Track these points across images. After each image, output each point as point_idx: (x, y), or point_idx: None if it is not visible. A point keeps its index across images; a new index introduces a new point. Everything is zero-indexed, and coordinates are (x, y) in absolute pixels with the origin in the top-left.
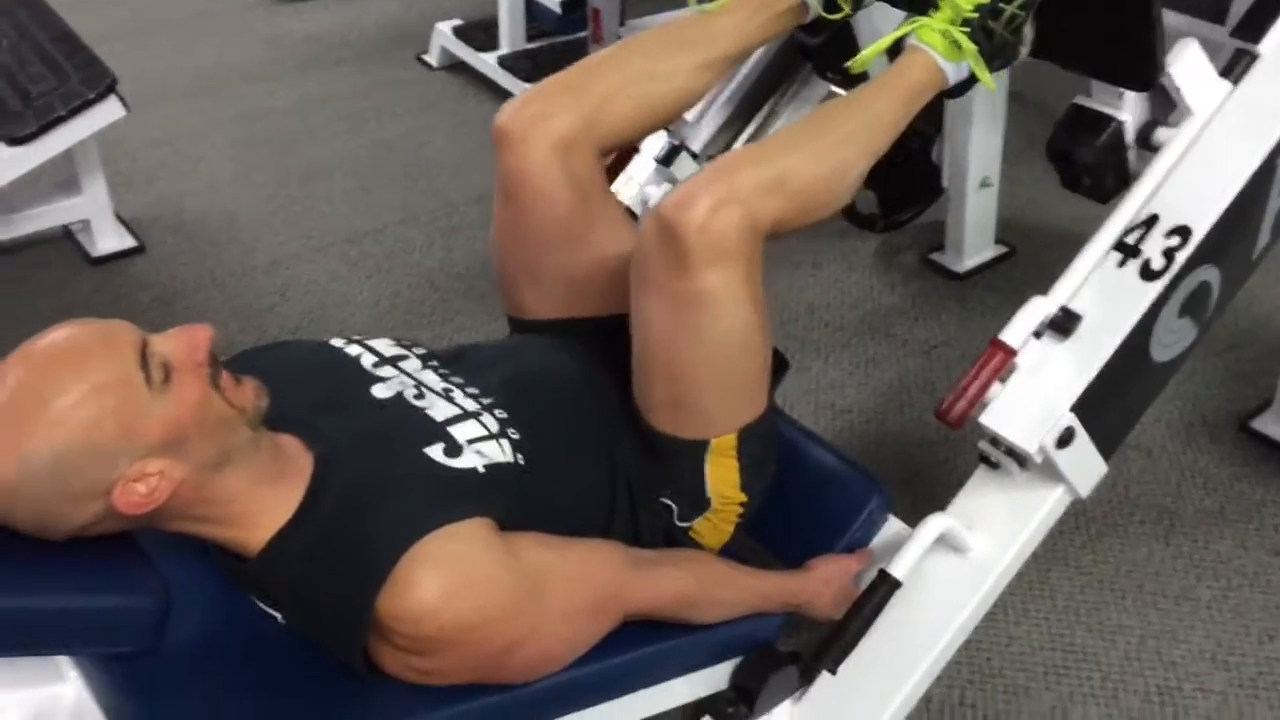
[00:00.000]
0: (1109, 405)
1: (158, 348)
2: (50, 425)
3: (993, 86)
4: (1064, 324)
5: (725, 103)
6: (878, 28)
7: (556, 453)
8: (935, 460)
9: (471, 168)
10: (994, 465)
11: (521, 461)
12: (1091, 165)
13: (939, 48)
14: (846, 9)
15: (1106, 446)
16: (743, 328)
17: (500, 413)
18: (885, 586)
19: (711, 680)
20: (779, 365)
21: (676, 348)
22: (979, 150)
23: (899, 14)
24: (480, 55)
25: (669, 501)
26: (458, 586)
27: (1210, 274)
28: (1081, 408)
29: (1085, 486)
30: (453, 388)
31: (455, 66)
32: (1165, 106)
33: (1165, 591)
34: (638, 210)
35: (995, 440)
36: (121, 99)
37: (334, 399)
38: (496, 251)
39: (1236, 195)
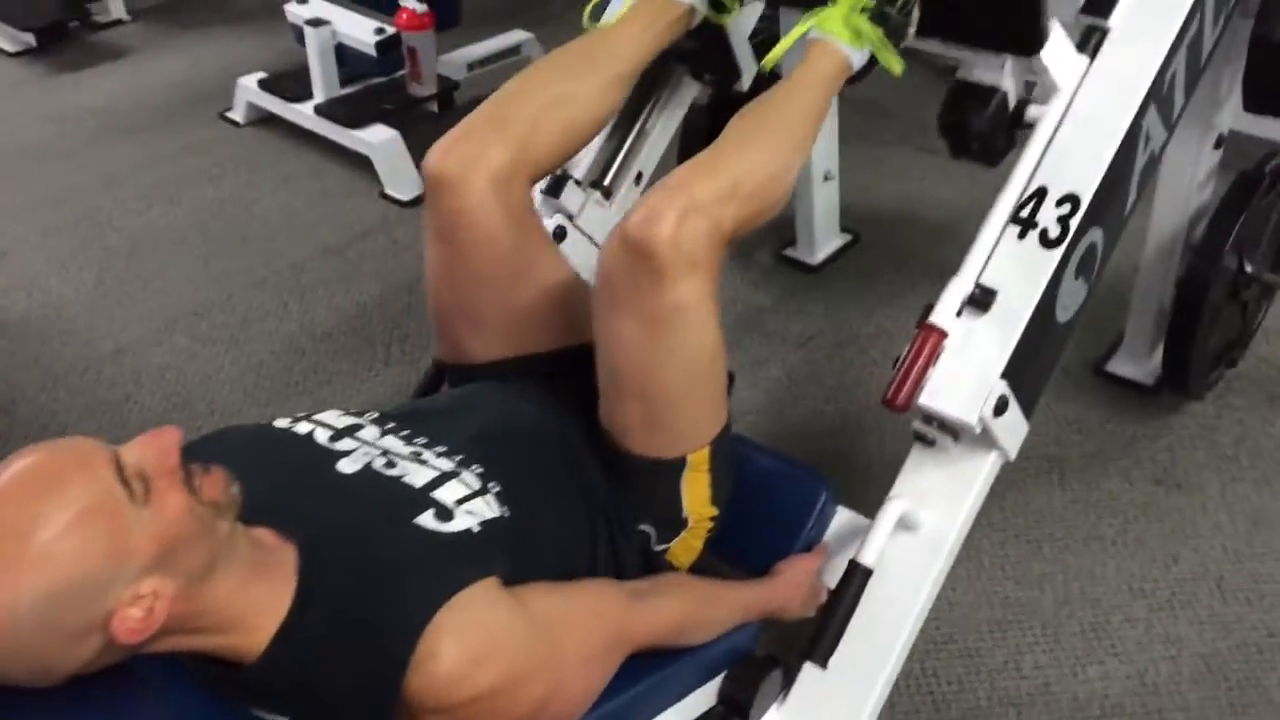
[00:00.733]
0: (1028, 369)
1: (129, 459)
2: (36, 563)
3: (898, 69)
4: (982, 300)
5: None
6: (744, 30)
7: (536, 500)
8: (841, 446)
9: (307, 222)
10: (930, 442)
11: (508, 514)
12: (982, 133)
13: (844, 36)
14: (734, 8)
15: (1028, 407)
16: (712, 338)
17: (477, 467)
18: (859, 575)
19: (702, 700)
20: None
21: (652, 366)
22: (820, 146)
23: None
24: (294, 106)
25: (646, 528)
26: (483, 652)
27: (1096, 235)
28: (1008, 375)
29: (1014, 448)
30: (420, 449)
31: (264, 120)
32: (1030, 86)
33: (1074, 535)
34: None
35: (928, 418)
36: None
37: (300, 482)
38: (434, 297)
39: (1112, 159)
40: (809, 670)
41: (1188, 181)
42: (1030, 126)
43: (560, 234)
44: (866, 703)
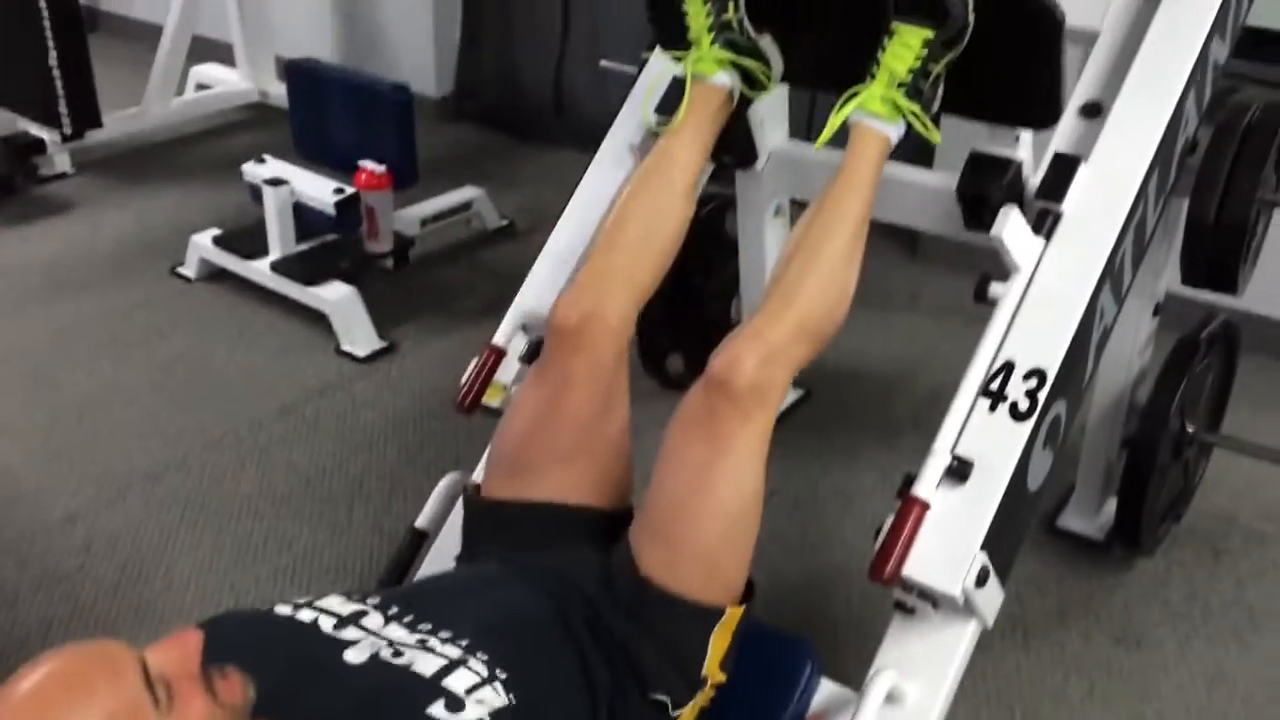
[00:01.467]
0: (1004, 538)
1: (153, 663)
2: None
3: (937, 138)
4: (960, 471)
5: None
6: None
7: (540, 686)
8: (808, 607)
9: (264, 380)
10: (910, 610)
11: (514, 701)
12: (1001, 202)
13: (883, 113)
14: (769, 85)
15: (1004, 575)
16: (760, 480)
17: (482, 654)
18: None
19: None
20: None
21: (714, 489)
22: None
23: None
24: (249, 263)
25: (661, 696)
26: None
27: (1061, 407)
28: (987, 546)
29: (992, 617)
30: (425, 636)
31: (217, 276)
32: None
33: (1042, 696)
34: None
35: (908, 587)
36: None
37: (307, 673)
38: (520, 433)
39: (1073, 335)
40: None
41: (1130, 346)
42: (993, 303)
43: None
44: None
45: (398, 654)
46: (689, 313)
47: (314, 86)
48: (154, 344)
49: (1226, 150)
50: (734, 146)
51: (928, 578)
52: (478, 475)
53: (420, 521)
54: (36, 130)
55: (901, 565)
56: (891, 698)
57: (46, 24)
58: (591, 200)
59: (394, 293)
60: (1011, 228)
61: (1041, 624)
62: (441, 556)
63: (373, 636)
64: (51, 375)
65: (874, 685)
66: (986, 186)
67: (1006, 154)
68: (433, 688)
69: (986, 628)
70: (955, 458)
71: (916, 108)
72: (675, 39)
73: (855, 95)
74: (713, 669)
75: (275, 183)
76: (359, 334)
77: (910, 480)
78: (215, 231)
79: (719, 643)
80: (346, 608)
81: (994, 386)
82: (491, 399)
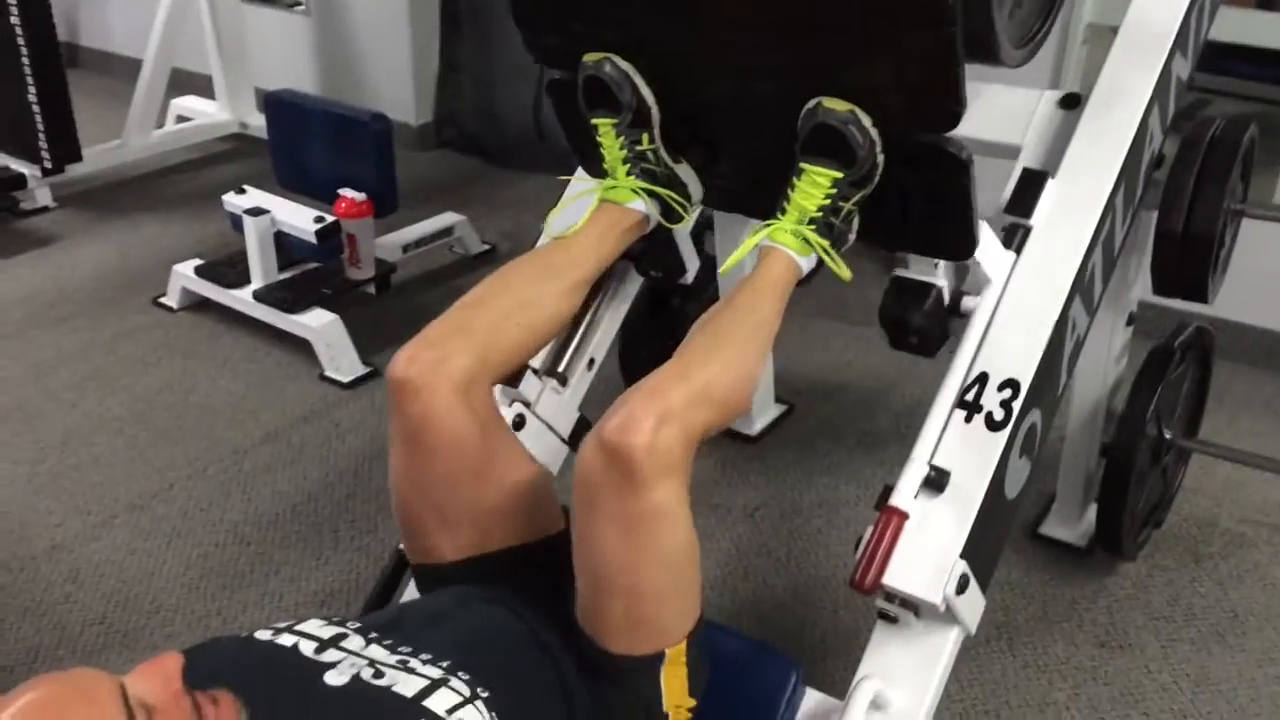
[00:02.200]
0: (983, 546)
1: (134, 689)
2: None
3: (847, 274)
4: (937, 481)
5: None
6: (687, 230)
7: (520, 704)
8: (795, 619)
9: (248, 407)
10: (892, 619)
11: (497, 719)
12: (921, 327)
13: (792, 246)
14: (686, 217)
15: (984, 582)
16: (688, 536)
17: (463, 674)
18: None
19: None
20: None
21: (633, 567)
22: None
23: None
24: (231, 291)
25: None
26: None
27: (1036, 416)
28: (966, 554)
29: (974, 623)
30: (406, 657)
31: (199, 305)
32: (964, 276)
33: (1029, 702)
34: None
35: (890, 596)
36: None
37: (288, 697)
38: (401, 500)
39: (1045, 346)
40: None
41: (1105, 356)
42: (966, 315)
43: (519, 422)
44: None
45: (379, 675)
46: (670, 335)
47: (293, 117)
48: (137, 374)
49: (1192, 163)
50: (661, 265)
51: (908, 586)
52: None
53: (399, 544)
54: (16, 165)
55: (881, 575)
56: (876, 705)
57: (25, 60)
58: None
59: (377, 318)
60: (983, 242)
61: (1026, 630)
62: None
63: (353, 657)
64: (35, 407)
65: (858, 694)
66: (907, 312)
67: (926, 279)
68: (414, 709)
69: (969, 634)
70: (933, 468)
71: (826, 244)
72: (593, 166)
73: (767, 226)
74: (674, 702)
75: (256, 212)
76: (342, 360)
77: (889, 491)
78: (197, 261)
79: (672, 678)
80: (327, 631)
81: (969, 397)
82: None
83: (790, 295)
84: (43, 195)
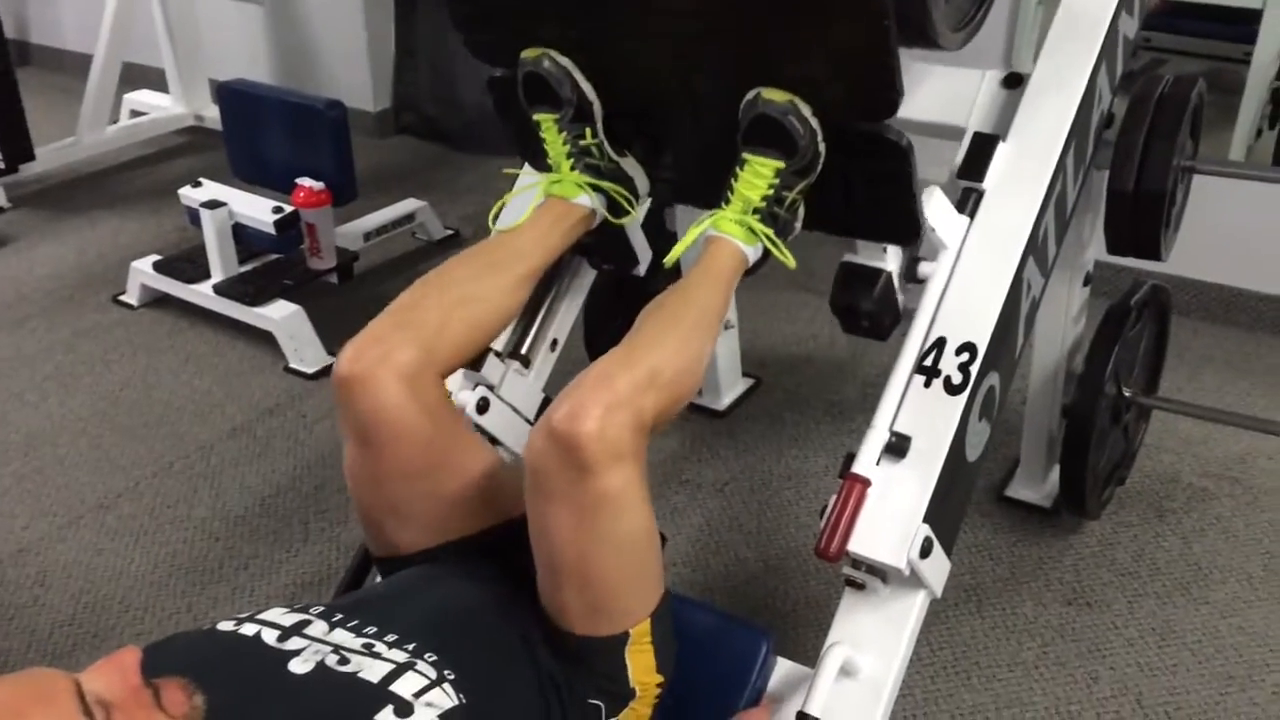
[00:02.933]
0: (946, 509)
1: (90, 687)
2: None
3: (792, 263)
4: (898, 446)
5: None
6: (638, 223)
7: (489, 684)
8: (766, 591)
9: (212, 402)
10: (860, 586)
11: (464, 701)
12: (871, 312)
13: (737, 235)
14: (633, 211)
15: (948, 545)
16: (644, 520)
17: (430, 656)
18: None
19: None
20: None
21: (588, 554)
22: None
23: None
24: (191, 286)
25: (597, 701)
26: None
27: (994, 378)
28: (929, 518)
29: (940, 586)
30: (372, 641)
31: (160, 302)
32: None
33: (998, 662)
34: None
35: (856, 563)
36: None
37: (250, 687)
38: (358, 498)
39: (1001, 308)
40: None
41: (1063, 317)
42: (923, 282)
43: (483, 405)
44: None
45: (344, 661)
46: (633, 312)
47: (247, 107)
48: (99, 373)
49: (1141, 121)
50: (613, 258)
51: (873, 553)
52: None
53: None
54: None
55: (846, 542)
56: (846, 671)
57: None
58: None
59: (341, 308)
60: (936, 207)
61: (994, 591)
62: None
63: (317, 644)
64: None
65: (827, 660)
66: (857, 298)
67: (875, 265)
68: (380, 694)
69: (936, 597)
70: (894, 434)
71: (770, 232)
72: (538, 161)
73: (711, 216)
74: (640, 679)
75: (213, 205)
76: (307, 351)
77: (851, 459)
78: (155, 257)
79: (637, 655)
80: (289, 618)
81: (928, 362)
82: None
83: (738, 283)
84: None
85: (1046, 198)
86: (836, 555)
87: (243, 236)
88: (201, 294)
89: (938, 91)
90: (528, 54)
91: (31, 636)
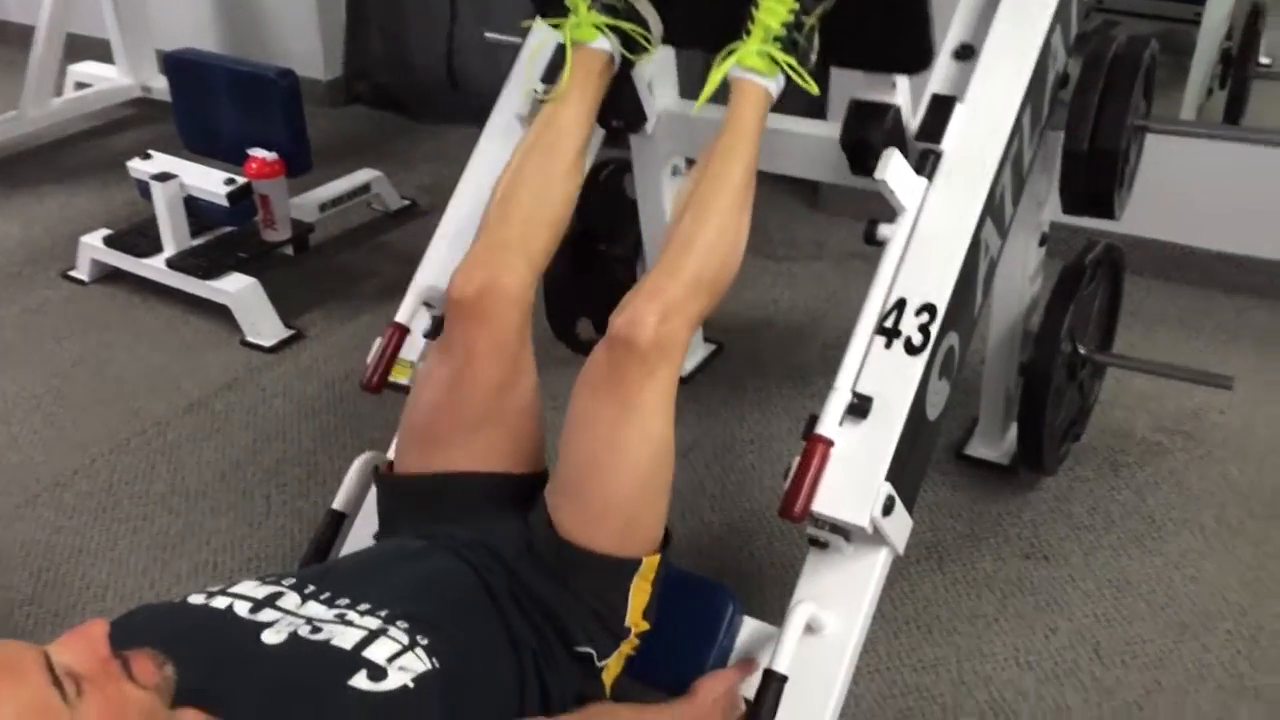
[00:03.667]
0: (908, 468)
1: (59, 659)
2: None
3: (815, 89)
4: (861, 407)
5: None
6: (646, 77)
7: (462, 649)
8: (732, 553)
9: (168, 377)
10: (823, 545)
11: (438, 666)
12: (882, 147)
13: (761, 68)
14: (650, 49)
15: (910, 503)
16: (670, 428)
17: (402, 622)
18: (776, 684)
19: None
20: None
21: (625, 446)
22: None
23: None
24: (143, 261)
25: (587, 649)
26: None
27: (953, 338)
28: (891, 476)
29: (902, 543)
30: (344, 610)
31: (111, 277)
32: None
33: (959, 616)
34: None
35: (820, 522)
36: None
37: (224, 658)
38: (431, 418)
39: (960, 269)
40: None
41: (1020, 277)
42: (882, 244)
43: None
44: None
45: (316, 630)
46: (595, 277)
47: (196, 77)
48: (50, 350)
49: (1095, 81)
50: (622, 110)
51: (836, 511)
52: (392, 454)
53: (337, 503)
54: None
55: (810, 502)
56: (811, 628)
57: None
58: (484, 173)
59: (297, 280)
60: (894, 170)
61: (955, 547)
62: (360, 536)
63: (290, 616)
64: None
65: (793, 618)
66: (868, 132)
67: (885, 99)
68: (354, 659)
69: (898, 554)
70: (855, 395)
71: (792, 60)
72: (553, 6)
73: (732, 52)
74: (635, 619)
75: (163, 177)
76: (263, 324)
77: (814, 420)
78: (105, 232)
79: (639, 593)
80: (261, 590)
81: (888, 323)
82: (399, 376)
83: (763, 124)
84: None
85: (1003, 159)
86: (801, 516)
87: (195, 209)
88: (154, 268)
89: None
90: None
91: None
